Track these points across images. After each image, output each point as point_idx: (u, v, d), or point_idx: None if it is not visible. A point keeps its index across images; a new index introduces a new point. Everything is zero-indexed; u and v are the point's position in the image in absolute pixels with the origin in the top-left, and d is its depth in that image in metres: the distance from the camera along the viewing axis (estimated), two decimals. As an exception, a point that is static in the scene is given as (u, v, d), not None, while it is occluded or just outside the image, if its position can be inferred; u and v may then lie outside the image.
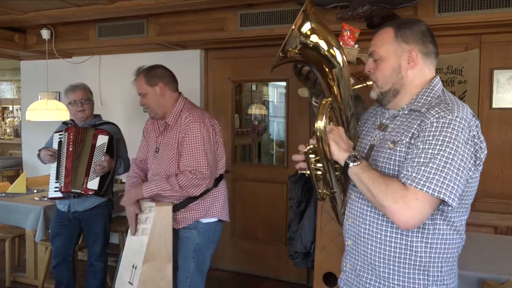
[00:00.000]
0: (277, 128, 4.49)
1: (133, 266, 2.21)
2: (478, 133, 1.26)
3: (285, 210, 3.91)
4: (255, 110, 4.49)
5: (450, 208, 1.26)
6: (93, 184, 2.87)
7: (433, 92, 1.33)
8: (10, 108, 9.52)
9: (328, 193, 1.50)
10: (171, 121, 2.34)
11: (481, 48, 3.26)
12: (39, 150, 3.06)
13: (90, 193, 2.88)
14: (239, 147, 4.40)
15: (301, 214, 2.72)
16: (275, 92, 4.58)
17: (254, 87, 4.56)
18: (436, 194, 1.18)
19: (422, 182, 1.18)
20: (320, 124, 1.32)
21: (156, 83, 2.32)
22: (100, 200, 3.00)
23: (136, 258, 2.22)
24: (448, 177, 1.18)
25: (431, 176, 1.18)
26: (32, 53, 4.57)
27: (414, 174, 1.20)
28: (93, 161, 2.88)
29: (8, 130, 8.88)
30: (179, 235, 2.34)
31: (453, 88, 3.28)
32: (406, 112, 1.35)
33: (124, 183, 4.36)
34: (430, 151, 1.21)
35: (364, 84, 1.46)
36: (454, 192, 1.19)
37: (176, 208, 2.29)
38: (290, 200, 2.79)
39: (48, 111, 3.89)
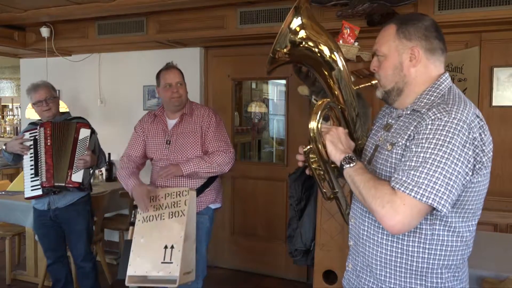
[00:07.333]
0: (277, 126, 4.49)
1: (166, 247, 2.34)
2: (481, 135, 1.19)
3: (285, 208, 3.91)
4: (255, 108, 4.49)
5: (449, 212, 1.21)
6: (77, 176, 2.81)
7: (438, 90, 1.29)
8: (10, 106, 9.53)
9: (331, 193, 1.50)
10: (188, 111, 2.69)
11: (481, 45, 3.26)
12: (4, 145, 2.89)
13: (74, 186, 2.80)
14: (238, 145, 4.41)
15: (301, 212, 2.72)
16: (275, 90, 4.58)
17: (254, 85, 4.56)
18: (424, 199, 1.13)
19: (410, 187, 1.14)
20: (313, 124, 1.31)
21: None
22: (80, 195, 2.93)
23: (170, 239, 2.36)
24: (439, 182, 1.13)
25: (420, 180, 1.13)
26: (31, 51, 4.56)
27: (404, 178, 1.16)
28: (76, 155, 2.83)
29: (8, 128, 8.88)
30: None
31: (453, 86, 3.29)
32: (409, 112, 1.31)
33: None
34: (422, 154, 1.16)
35: (369, 84, 1.43)
36: (444, 198, 1.13)
37: (196, 194, 2.56)
38: (290, 198, 2.79)
39: (48, 109, 3.88)
